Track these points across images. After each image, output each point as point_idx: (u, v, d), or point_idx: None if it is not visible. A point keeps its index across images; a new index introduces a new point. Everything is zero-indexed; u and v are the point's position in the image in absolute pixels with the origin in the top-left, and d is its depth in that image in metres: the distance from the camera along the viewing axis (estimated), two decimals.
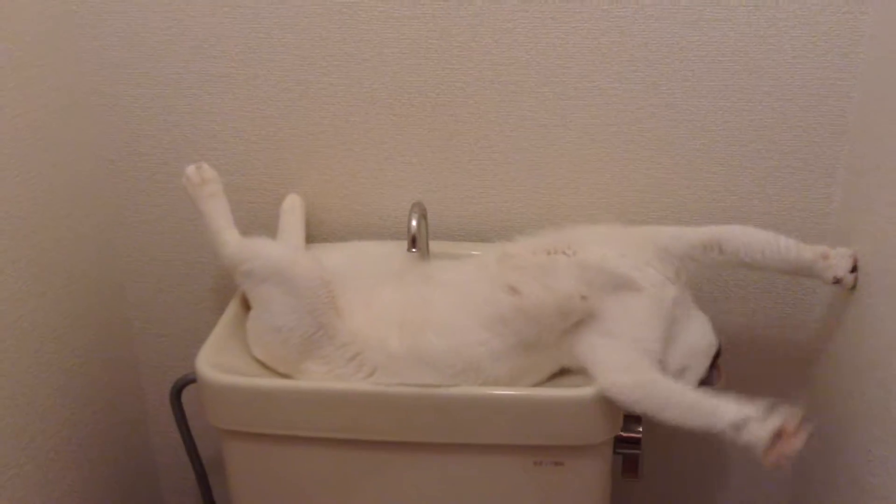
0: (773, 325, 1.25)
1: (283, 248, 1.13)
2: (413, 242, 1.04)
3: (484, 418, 0.97)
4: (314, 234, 1.25)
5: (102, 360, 1.27)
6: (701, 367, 1.01)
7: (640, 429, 1.04)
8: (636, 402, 0.93)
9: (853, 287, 1.04)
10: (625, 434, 1.02)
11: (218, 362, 1.03)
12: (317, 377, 1.01)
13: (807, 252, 1.03)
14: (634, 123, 1.16)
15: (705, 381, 1.02)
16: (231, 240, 1.09)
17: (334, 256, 1.13)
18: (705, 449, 1.32)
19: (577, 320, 0.98)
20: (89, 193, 1.22)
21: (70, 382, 1.18)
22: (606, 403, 0.95)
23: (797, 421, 0.85)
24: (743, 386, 1.26)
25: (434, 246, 1.18)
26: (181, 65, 1.18)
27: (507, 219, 1.22)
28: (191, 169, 1.10)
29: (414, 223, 1.04)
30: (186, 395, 1.19)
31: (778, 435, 0.86)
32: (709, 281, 1.23)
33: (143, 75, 1.19)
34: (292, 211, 1.21)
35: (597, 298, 0.98)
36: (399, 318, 1.01)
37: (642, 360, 0.95)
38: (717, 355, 1.03)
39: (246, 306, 1.11)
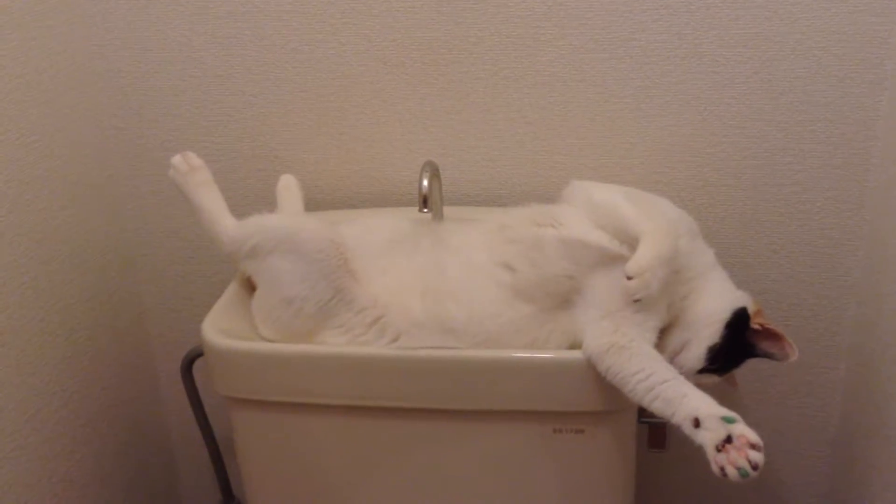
0: (808, 291, 1.18)
1: (284, 217, 1.10)
2: (425, 202, 1.00)
3: (500, 382, 0.94)
4: (325, 202, 1.22)
5: (112, 333, 1.24)
6: (707, 335, 0.94)
7: None
8: (608, 368, 0.88)
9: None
10: None
11: (225, 328, 1.00)
12: None
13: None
14: (659, 77, 1.10)
15: (748, 347, 0.95)
16: (229, 225, 1.05)
17: (348, 223, 1.09)
18: None
19: (567, 298, 0.94)
20: (96, 162, 1.19)
21: (77, 355, 1.15)
22: None
23: (753, 438, 0.78)
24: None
25: (449, 211, 1.13)
26: (188, 27, 1.15)
27: (524, 182, 1.17)
28: (177, 159, 1.06)
29: (425, 182, 1.00)
30: (198, 369, 1.16)
31: (728, 441, 0.78)
32: (741, 245, 1.17)
33: (149, 38, 1.16)
34: (288, 189, 1.18)
35: (584, 274, 0.94)
36: (419, 285, 0.98)
37: (621, 328, 0.90)
38: (741, 316, 0.96)
39: None
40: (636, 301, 0.88)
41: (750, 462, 0.77)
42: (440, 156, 1.17)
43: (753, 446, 0.78)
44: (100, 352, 1.21)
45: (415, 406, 0.96)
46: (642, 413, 0.98)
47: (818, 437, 1.27)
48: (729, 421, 0.80)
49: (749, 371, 1.23)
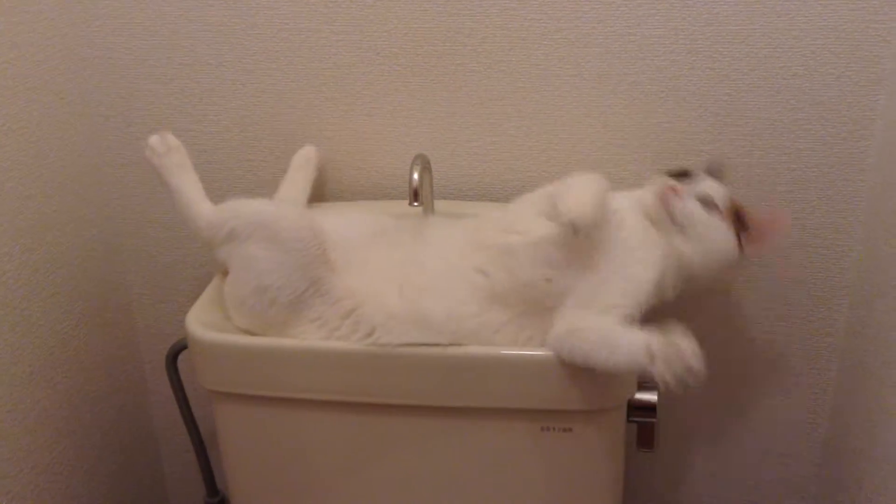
0: (801, 291, 1.18)
1: (264, 203, 1.07)
2: (415, 196, 0.98)
3: (487, 380, 0.92)
4: (314, 194, 1.19)
5: (98, 324, 1.22)
6: None
7: (656, 394, 0.97)
8: (570, 351, 0.88)
9: None
10: (638, 399, 0.96)
11: (210, 321, 0.99)
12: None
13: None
14: (654, 72, 1.09)
15: None
16: (206, 209, 1.02)
17: (331, 215, 1.07)
18: (727, 420, 1.26)
19: (544, 303, 0.93)
20: (81, 150, 1.18)
21: (62, 345, 1.14)
22: None
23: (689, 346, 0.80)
24: (772, 355, 1.21)
25: (441, 205, 1.12)
26: (177, 13, 1.13)
27: (517, 177, 1.16)
28: (154, 139, 1.04)
29: (416, 176, 0.98)
30: (184, 361, 1.15)
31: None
32: None
33: (138, 25, 1.14)
34: (301, 167, 1.15)
35: (561, 276, 0.92)
36: (397, 278, 0.96)
37: (584, 312, 0.90)
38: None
39: None
40: (578, 233, 0.86)
41: (687, 367, 0.79)
42: (432, 149, 1.15)
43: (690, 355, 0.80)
44: (84, 342, 1.19)
45: (401, 402, 0.95)
46: (631, 412, 0.97)
47: (809, 438, 1.26)
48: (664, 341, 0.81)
49: (740, 371, 1.22)
